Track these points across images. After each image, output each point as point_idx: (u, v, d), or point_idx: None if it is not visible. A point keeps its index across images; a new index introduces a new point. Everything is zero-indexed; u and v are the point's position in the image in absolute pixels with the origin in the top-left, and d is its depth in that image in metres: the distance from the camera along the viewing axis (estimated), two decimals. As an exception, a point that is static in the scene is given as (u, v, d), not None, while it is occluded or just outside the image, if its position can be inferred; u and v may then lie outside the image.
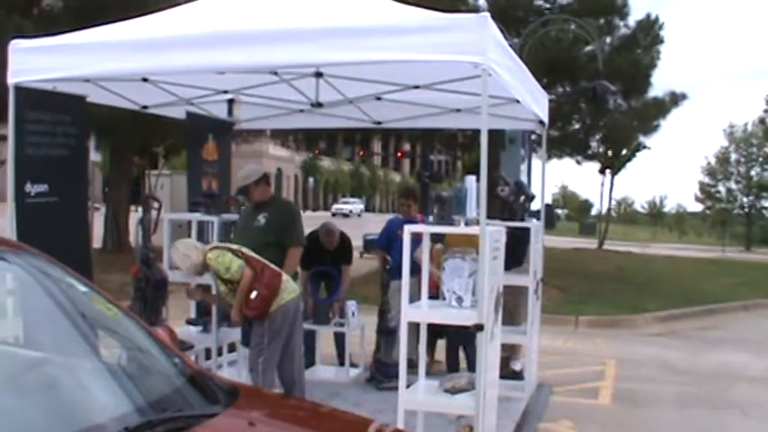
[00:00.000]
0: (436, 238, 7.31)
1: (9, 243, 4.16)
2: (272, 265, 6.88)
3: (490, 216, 6.05)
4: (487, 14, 5.51)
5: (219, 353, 8.43)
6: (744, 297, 19.51)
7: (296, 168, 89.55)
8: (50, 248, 3.95)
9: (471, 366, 8.74)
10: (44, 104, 6.87)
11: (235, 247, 6.95)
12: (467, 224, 6.19)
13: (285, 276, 6.93)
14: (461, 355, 8.85)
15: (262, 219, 7.85)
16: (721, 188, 59.52)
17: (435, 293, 6.46)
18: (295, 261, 7.83)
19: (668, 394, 9.72)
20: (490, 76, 5.49)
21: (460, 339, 8.54)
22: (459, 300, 6.01)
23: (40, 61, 6.28)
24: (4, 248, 3.79)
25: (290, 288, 6.89)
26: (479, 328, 5.58)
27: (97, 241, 9.55)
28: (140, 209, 7.82)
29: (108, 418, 2.96)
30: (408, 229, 6.09)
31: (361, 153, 73.79)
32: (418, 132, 24.47)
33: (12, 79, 6.38)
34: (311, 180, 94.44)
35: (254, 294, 6.62)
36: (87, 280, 4.03)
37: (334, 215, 65.31)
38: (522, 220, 8.64)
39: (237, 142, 16.23)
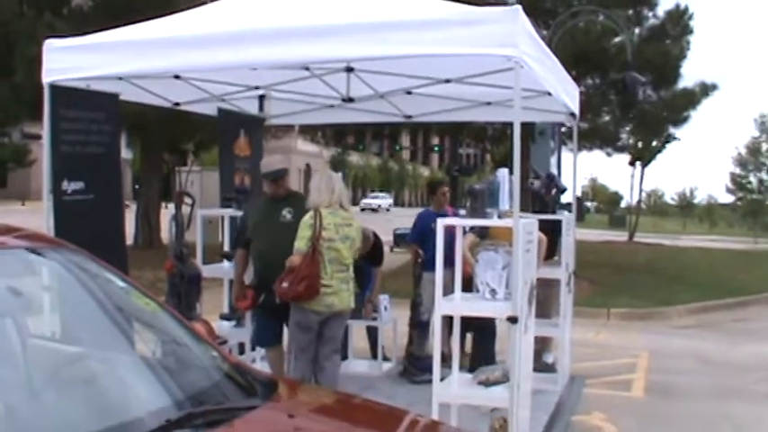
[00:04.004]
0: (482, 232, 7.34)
1: (47, 239, 4.21)
2: (318, 279, 6.57)
3: (522, 209, 6.02)
4: (519, 7, 5.46)
5: (253, 347, 8.47)
6: (777, 288, 19.30)
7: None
8: (87, 245, 3.99)
9: (480, 354, 8.64)
10: (78, 102, 6.94)
11: (329, 236, 6.67)
12: (500, 217, 6.18)
13: (328, 290, 6.65)
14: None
15: (287, 214, 7.19)
16: (752, 179, 59.04)
17: (469, 287, 6.44)
18: None
19: (702, 386, 9.66)
20: (522, 69, 5.47)
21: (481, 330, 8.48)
22: (493, 292, 6.00)
23: (74, 60, 6.35)
24: (42, 244, 3.83)
25: (326, 303, 6.67)
26: (513, 320, 5.59)
27: (128, 238, 9.64)
28: (173, 205, 7.87)
29: (147, 412, 2.99)
30: (442, 222, 6.10)
31: (388, 150, 73.60)
32: (447, 126, 24.40)
33: (46, 78, 6.47)
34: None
35: (285, 284, 6.55)
36: (125, 275, 4.07)
37: (362, 210, 65.37)
38: (554, 212, 8.63)
39: (267, 138, 16.28)
